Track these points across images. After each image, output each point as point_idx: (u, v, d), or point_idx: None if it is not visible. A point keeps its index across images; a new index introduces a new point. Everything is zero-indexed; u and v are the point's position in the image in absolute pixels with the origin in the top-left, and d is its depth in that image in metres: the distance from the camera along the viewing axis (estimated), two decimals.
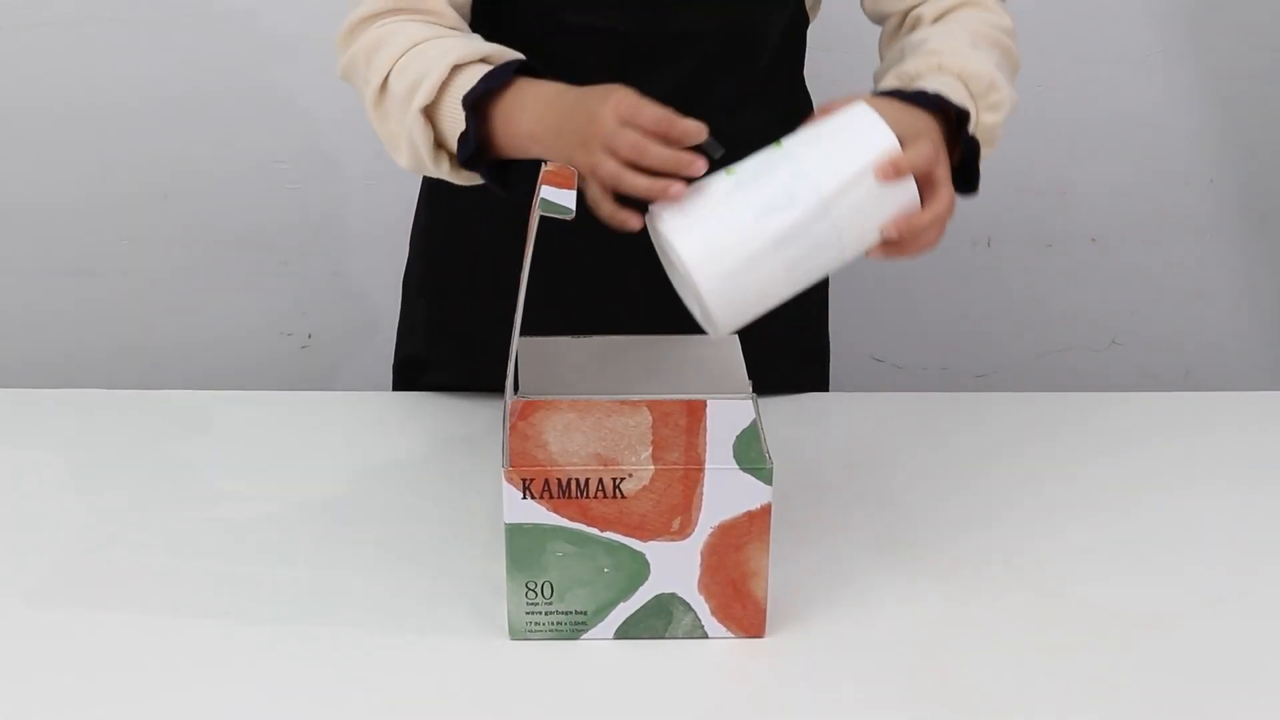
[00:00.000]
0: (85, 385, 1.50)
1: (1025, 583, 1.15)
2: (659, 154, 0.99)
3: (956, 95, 1.13)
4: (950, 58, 1.16)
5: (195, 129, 2.23)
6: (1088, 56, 2.27)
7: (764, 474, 1.02)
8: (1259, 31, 2.27)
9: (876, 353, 2.47)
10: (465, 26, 1.23)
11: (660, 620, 1.06)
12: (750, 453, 1.02)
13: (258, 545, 1.19)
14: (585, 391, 1.03)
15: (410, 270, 1.51)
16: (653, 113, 1.01)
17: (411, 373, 1.50)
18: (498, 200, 1.37)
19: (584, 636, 1.06)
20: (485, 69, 1.12)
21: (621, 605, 1.05)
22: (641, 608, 1.06)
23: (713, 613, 1.06)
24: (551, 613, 1.05)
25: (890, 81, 1.18)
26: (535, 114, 1.09)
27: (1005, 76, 1.19)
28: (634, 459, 1.01)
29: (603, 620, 1.06)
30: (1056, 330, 2.45)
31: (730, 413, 1.01)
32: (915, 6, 1.26)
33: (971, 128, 1.15)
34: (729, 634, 1.07)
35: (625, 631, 1.06)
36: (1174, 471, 1.33)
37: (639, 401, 1.01)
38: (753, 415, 1.02)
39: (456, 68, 1.12)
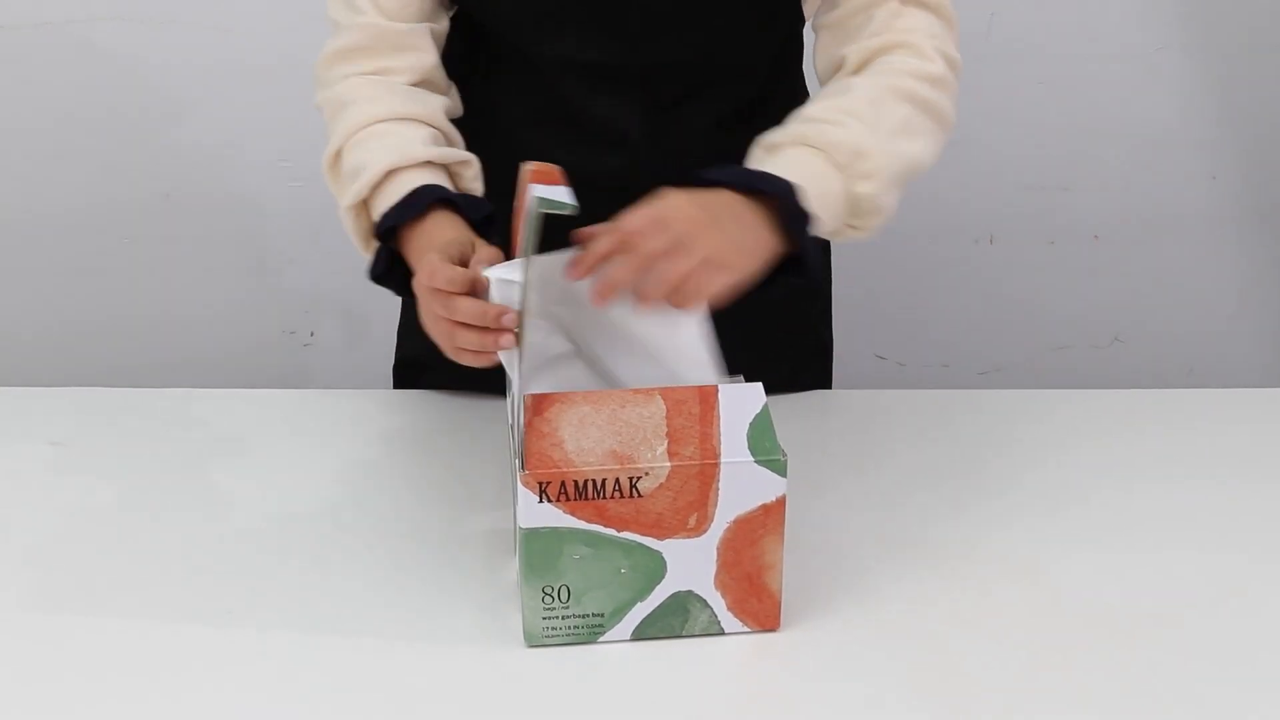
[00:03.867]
0: (85, 385, 1.50)
1: (1026, 577, 1.15)
2: (466, 310, 1.03)
3: (805, 171, 1.09)
4: (818, 130, 1.12)
5: (197, 129, 2.23)
6: (1089, 54, 2.27)
7: (779, 465, 1.02)
8: (1261, 29, 2.27)
9: (879, 350, 2.47)
10: (439, 69, 1.26)
11: (677, 618, 1.06)
12: (764, 444, 1.02)
13: (258, 546, 1.19)
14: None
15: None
16: (446, 275, 1.04)
17: (411, 373, 1.50)
18: (497, 204, 1.37)
19: (601, 639, 1.06)
20: (419, 176, 1.16)
21: (639, 605, 1.05)
22: (659, 607, 1.05)
23: (729, 608, 1.06)
24: (569, 616, 1.05)
25: (755, 151, 1.16)
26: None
27: (896, 137, 1.14)
28: (650, 455, 1.01)
29: (620, 621, 1.05)
30: (1058, 327, 2.46)
31: (742, 398, 1.02)
32: (842, 50, 1.23)
33: (835, 204, 1.11)
34: (745, 628, 1.07)
35: (642, 631, 1.06)
36: (1176, 468, 1.33)
37: (652, 390, 1.02)
38: (764, 399, 1.03)
39: (392, 172, 1.16)
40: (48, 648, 1.06)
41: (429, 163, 1.18)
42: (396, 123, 1.20)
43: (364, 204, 1.19)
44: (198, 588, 1.13)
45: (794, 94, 1.40)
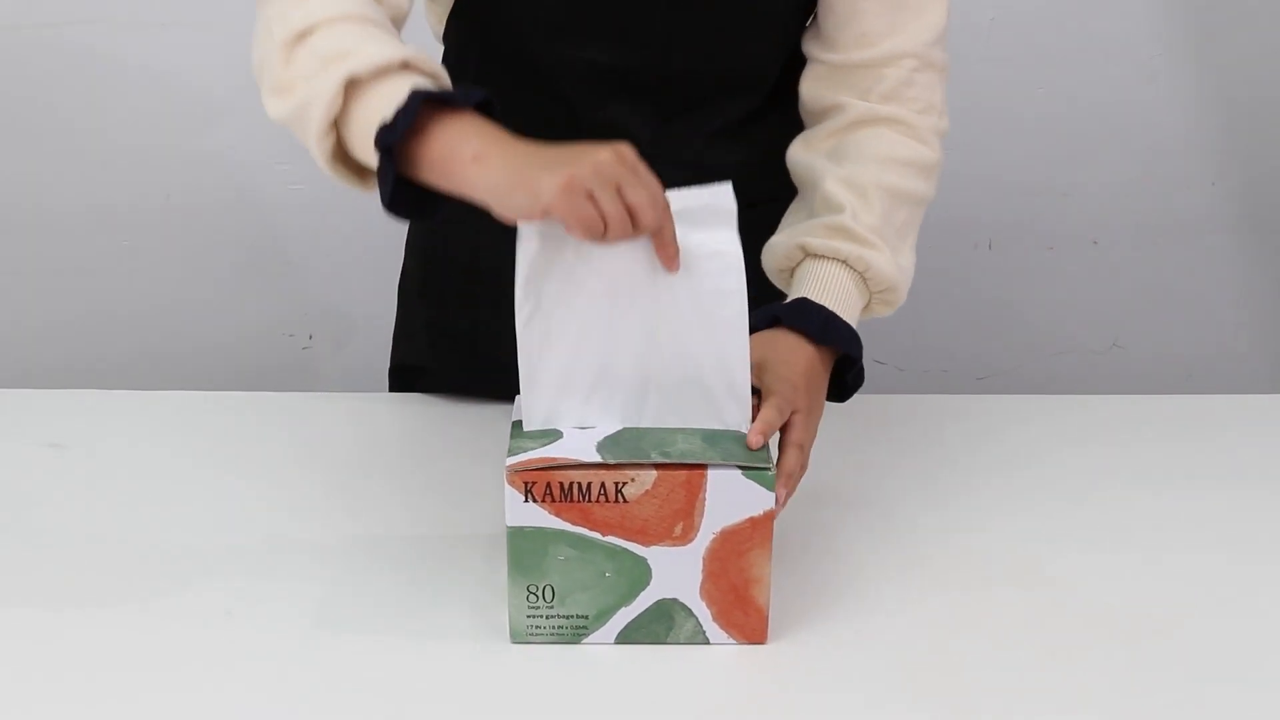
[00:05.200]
0: (85, 385, 1.50)
1: (1026, 585, 1.15)
2: (640, 194, 0.95)
3: (846, 296, 1.20)
4: (856, 251, 1.20)
5: (197, 132, 2.23)
6: (1089, 57, 2.27)
7: (767, 480, 1.02)
8: (1261, 33, 2.28)
9: (877, 355, 2.47)
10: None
11: (662, 626, 1.06)
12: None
13: (255, 548, 1.19)
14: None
15: (407, 275, 1.50)
16: (649, 174, 0.98)
17: (408, 378, 1.50)
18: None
19: (585, 641, 1.06)
20: (435, 82, 1.02)
21: (623, 610, 1.05)
22: (643, 613, 1.05)
23: (715, 619, 1.06)
24: (553, 617, 1.05)
25: (791, 250, 1.22)
26: (490, 141, 0.99)
27: (903, 247, 1.25)
28: (635, 466, 1.01)
29: (604, 625, 1.06)
30: (1057, 333, 2.46)
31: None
32: (844, 96, 1.25)
33: (855, 318, 1.21)
34: (730, 640, 1.07)
35: (627, 636, 1.06)
36: (1175, 474, 1.33)
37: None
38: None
39: (407, 63, 1.01)
40: (47, 648, 1.06)
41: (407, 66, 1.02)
42: (396, 38, 1.06)
43: (353, 87, 1.00)
44: (196, 588, 1.13)
45: (794, 103, 1.40)
